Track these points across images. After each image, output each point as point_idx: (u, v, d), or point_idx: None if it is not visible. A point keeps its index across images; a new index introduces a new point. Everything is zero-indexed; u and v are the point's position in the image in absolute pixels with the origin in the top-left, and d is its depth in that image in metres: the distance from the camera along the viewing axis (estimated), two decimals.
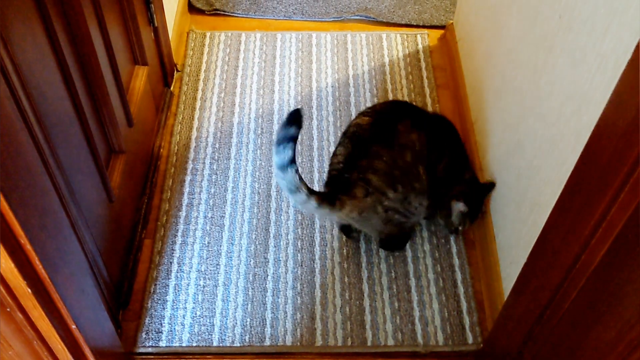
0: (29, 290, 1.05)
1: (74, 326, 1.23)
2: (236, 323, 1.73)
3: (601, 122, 1.01)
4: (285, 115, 2.22)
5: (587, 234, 1.05)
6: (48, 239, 1.10)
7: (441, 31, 2.56)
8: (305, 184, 1.56)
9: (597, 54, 1.17)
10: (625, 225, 0.96)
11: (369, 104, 2.27)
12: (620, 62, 1.04)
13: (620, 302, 0.98)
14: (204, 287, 1.79)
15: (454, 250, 1.89)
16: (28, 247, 1.02)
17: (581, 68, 1.24)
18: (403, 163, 1.64)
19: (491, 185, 1.81)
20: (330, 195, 1.64)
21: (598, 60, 1.16)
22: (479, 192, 1.81)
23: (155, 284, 1.79)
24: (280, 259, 1.86)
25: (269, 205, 1.98)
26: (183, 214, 1.95)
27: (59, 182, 1.26)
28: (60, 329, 1.20)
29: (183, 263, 1.84)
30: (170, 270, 1.82)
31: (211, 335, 1.70)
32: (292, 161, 1.51)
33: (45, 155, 1.19)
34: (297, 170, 1.53)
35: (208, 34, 2.50)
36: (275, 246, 1.89)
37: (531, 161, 1.53)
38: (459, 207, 1.74)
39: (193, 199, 1.99)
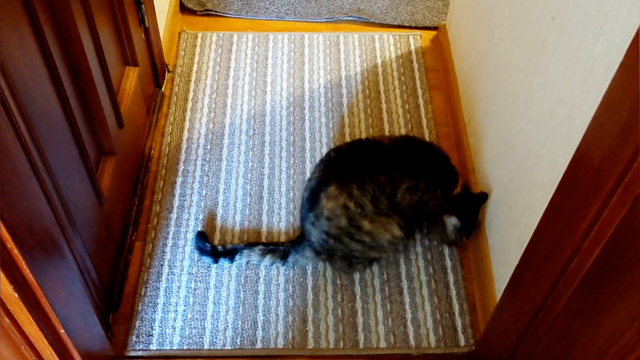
0: (16, 295, 1.04)
1: (62, 331, 1.22)
2: (227, 326, 1.72)
3: (593, 125, 1.01)
4: (277, 116, 2.21)
5: (579, 237, 1.05)
6: (36, 243, 1.09)
7: (434, 32, 2.56)
8: (251, 247, 1.81)
9: (589, 57, 1.17)
10: (617, 228, 0.96)
11: (361, 106, 2.27)
12: (612, 65, 1.04)
13: (613, 306, 0.98)
14: (195, 289, 1.78)
15: (447, 252, 1.89)
16: (15, 251, 1.00)
17: (573, 71, 1.24)
18: (337, 229, 1.68)
19: (484, 196, 1.78)
20: (276, 246, 1.84)
21: (590, 63, 1.16)
22: (471, 204, 1.78)
23: (146, 287, 1.78)
24: None
25: (261, 207, 1.97)
26: (174, 216, 1.94)
27: (47, 184, 1.25)
28: (49, 334, 1.18)
29: (174, 265, 1.83)
30: (161, 273, 1.81)
31: (202, 338, 1.69)
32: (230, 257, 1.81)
33: (33, 158, 1.18)
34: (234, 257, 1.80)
35: (200, 35, 2.48)
36: None
37: (523, 163, 1.52)
38: (451, 221, 1.73)
39: (184, 200, 1.97)
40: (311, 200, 1.70)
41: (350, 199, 1.65)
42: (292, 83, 2.34)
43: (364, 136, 2.17)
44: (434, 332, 1.73)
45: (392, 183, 1.68)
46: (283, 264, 1.81)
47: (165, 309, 1.74)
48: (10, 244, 0.99)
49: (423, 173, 1.73)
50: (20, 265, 1.03)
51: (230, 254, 1.80)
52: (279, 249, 1.80)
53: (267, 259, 1.79)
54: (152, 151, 2.10)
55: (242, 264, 1.82)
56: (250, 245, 1.81)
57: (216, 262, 1.81)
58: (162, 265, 1.83)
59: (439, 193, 1.75)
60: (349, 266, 1.78)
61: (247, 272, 1.82)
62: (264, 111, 2.24)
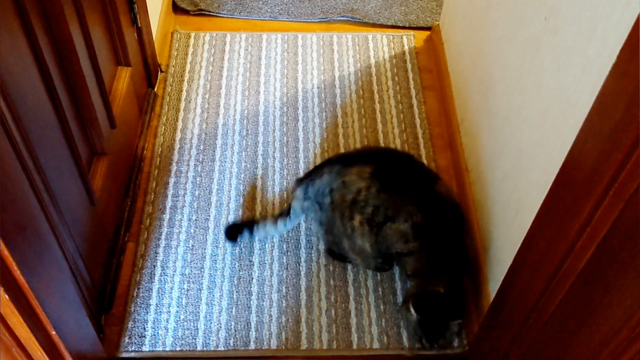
0: (7, 296, 1.03)
1: (54, 332, 1.21)
2: (220, 327, 1.71)
3: (586, 125, 1.01)
4: (270, 116, 2.21)
5: (572, 237, 1.05)
6: (26, 244, 1.08)
7: (427, 32, 2.56)
8: (264, 220, 1.86)
9: (583, 57, 1.17)
10: (610, 228, 0.96)
11: (355, 106, 2.26)
12: (605, 65, 1.04)
13: (606, 307, 0.98)
14: (187, 290, 1.77)
15: None
16: (5, 252, 1.00)
17: (567, 71, 1.24)
18: (340, 198, 1.66)
19: (457, 315, 1.57)
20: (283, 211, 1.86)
21: (583, 63, 1.16)
22: (445, 311, 1.57)
23: (139, 288, 1.77)
24: (266, 261, 1.84)
25: (254, 207, 1.97)
26: (167, 216, 1.93)
27: (38, 185, 1.24)
28: (40, 336, 1.17)
29: (167, 266, 1.82)
30: (154, 274, 1.80)
31: (195, 339, 1.69)
32: (251, 235, 1.85)
33: (24, 158, 1.17)
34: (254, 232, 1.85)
35: (193, 35, 2.47)
36: (260, 249, 1.87)
37: (517, 163, 1.52)
38: (411, 312, 1.56)
39: (177, 201, 1.96)
40: (346, 160, 1.71)
41: (367, 191, 1.62)
42: (286, 83, 2.33)
43: (357, 136, 2.17)
44: None
45: (396, 211, 1.60)
46: (289, 219, 1.81)
47: (158, 310, 1.73)
48: (1, 245, 0.98)
49: (429, 240, 1.60)
50: (11, 267, 1.02)
51: (249, 226, 1.84)
52: (284, 211, 1.83)
53: (280, 224, 1.82)
54: (145, 151, 2.09)
55: (261, 239, 1.88)
56: (263, 219, 1.86)
57: (241, 233, 1.85)
58: (154, 266, 1.82)
59: (423, 271, 1.62)
60: (323, 233, 1.78)
61: (241, 272, 1.82)
62: (257, 111, 2.23)
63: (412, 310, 1.55)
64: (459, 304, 1.61)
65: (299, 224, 1.93)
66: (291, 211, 1.80)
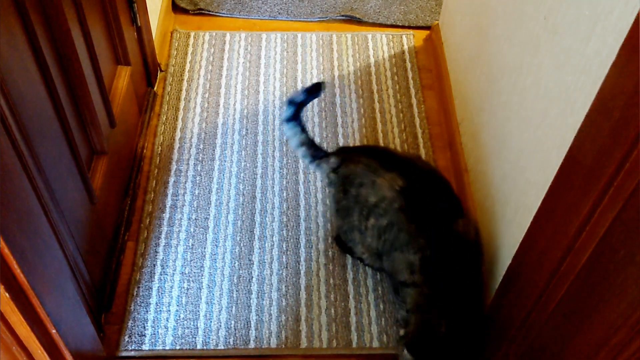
0: (7, 294, 1.03)
1: (54, 331, 1.21)
2: (220, 326, 1.71)
3: (585, 124, 1.01)
4: (270, 116, 2.21)
5: (571, 236, 1.05)
6: (27, 242, 1.08)
7: (427, 32, 2.56)
8: (305, 135, 1.77)
9: (582, 56, 1.17)
10: (609, 228, 0.96)
11: (354, 105, 2.27)
12: (605, 64, 1.04)
13: (605, 306, 0.98)
14: (187, 289, 1.78)
15: None
16: (6, 250, 1.00)
17: (566, 70, 1.24)
18: (365, 198, 1.63)
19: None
20: (319, 151, 1.78)
21: (582, 63, 1.17)
22: (442, 354, 1.48)
23: (139, 287, 1.77)
24: (265, 260, 1.85)
25: (254, 206, 1.97)
26: (167, 215, 1.93)
27: (38, 184, 1.24)
28: (40, 334, 1.18)
29: (167, 265, 1.82)
30: (154, 273, 1.80)
31: (195, 338, 1.69)
32: (290, 120, 1.76)
33: (24, 157, 1.17)
34: (294, 125, 1.76)
35: (192, 34, 2.48)
36: (260, 248, 1.87)
37: (516, 162, 1.53)
38: (405, 356, 1.47)
39: (177, 200, 1.97)
40: (386, 160, 1.65)
41: (390, 204, 1.57)
42: (285, 83, 2.33)
43: (357, 136, 2.17)
44: None
45: (408, 238, 1.56)
46: (310, 162, 1.77)
47: (158, 309, 1.73)
48: (1, 243, 0.98)
49: (434, 276, 1.53)
50: (11, 265, 1.03)
51: (295, 114, 1.75)
52: (318, 152, 1.76)
53: (303, 150, 1.77)
54: (145, 151, 2.10)
55: (286, 135, 1.80)
56: (303, 128, 1.77)
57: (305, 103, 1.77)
58: (154, 265, 1.82)
59: (424, 307, 1.53)
60: (334, 213, 1.79)
61: (240, 271, 1.82)
62: (257, 111, 2.24)
63: (406, 352, 1.46)
64: (461, 349, 1.49)
65: (299, 223, 1.93)
66: (317, 161, 1.75)
